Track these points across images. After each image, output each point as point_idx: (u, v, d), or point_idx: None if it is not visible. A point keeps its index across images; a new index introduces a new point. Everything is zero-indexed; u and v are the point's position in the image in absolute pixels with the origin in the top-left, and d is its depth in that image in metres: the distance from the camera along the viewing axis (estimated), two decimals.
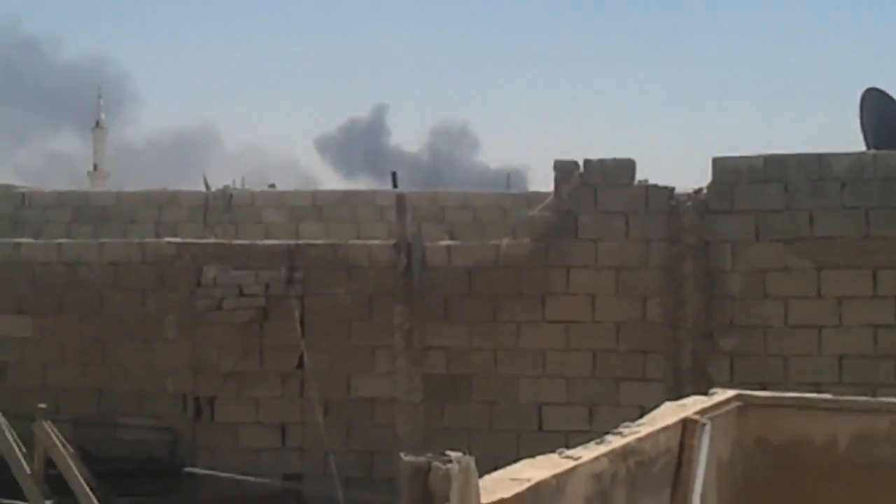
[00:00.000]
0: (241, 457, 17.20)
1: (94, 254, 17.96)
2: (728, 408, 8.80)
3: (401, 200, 17.70)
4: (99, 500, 15.60)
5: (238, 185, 27.26)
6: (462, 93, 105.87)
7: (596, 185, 16.32)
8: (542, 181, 58.67)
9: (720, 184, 15.97)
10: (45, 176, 54.93)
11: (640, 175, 16.41)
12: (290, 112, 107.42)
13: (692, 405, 8.28)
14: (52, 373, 17.76)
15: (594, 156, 16.45)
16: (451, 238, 19.69)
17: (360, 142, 68.88)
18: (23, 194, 24.77)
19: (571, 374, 16.32)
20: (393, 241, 17.18)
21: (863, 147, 19.08)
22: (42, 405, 16.16)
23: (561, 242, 16.38)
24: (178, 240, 18.65)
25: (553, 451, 6.26)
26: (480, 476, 5.15)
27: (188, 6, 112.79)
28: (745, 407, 9.03)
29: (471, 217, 23.47)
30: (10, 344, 17.92)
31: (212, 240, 19.79)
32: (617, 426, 7.28)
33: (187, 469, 17.02)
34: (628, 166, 16.37)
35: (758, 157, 15.95)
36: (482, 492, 5.07)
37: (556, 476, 5.79)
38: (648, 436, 7.18)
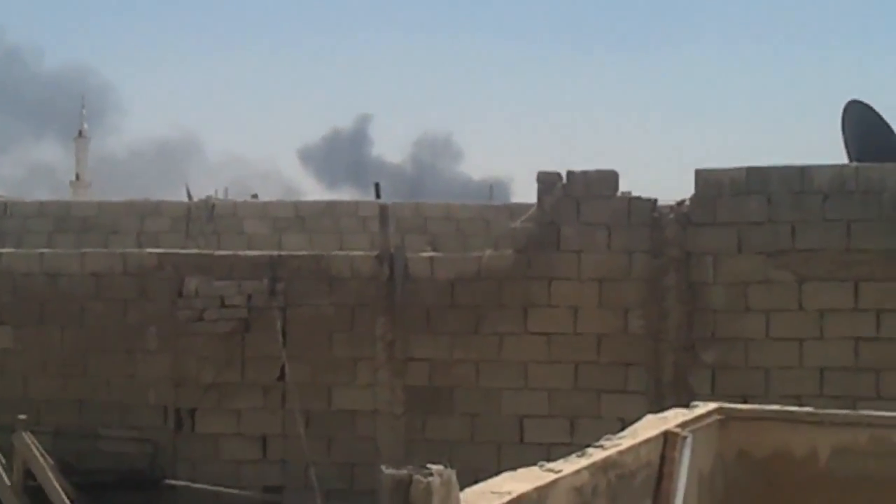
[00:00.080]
0: (221, 468, 17.16)
1: (76, 264, 17.90)
2: (709, 420, 8.81)
3: (384, 211, 17.69)
4: None
5: (220, 196, 27.24)
6: (445, 104, 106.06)
7: (578, 197, 16.33)
8: (525, 192, 58.84)
9: (703, 196, 15.99)
10: (27, 185, 54.95)
11: (622, 187, 16.42)
12: (273, 122, 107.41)
13: (673, 418, 8.29)
14: (33, 384, 17.68)
15: (577, 167, 16.48)
16: (434, 249, 19.70)
17: (342, 152, 68.92)
18: (4, 204, 24.74)
19: (553, 387, 16.31)
20: (375, 253, 17.17)
21: (845, 159, 19.14)
22: (22, 416, 16.13)
23: (543, 254, 16.38)
24: (159, 250, 18.61)
25: (534, 464, 6.26)
26: (462, 489, 5.15)
27: (171, 17, 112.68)
28: (727, 420, 9.04)
29: (453, 228, 23.48)
30: None
31: (194, 250, 19.75)
32: (598, 439, 7.29)
33: (168, 481, 16.98)
34: (611, 178, 16.38)
35: (740, 169, 15.97)
36: None
37: (537, 489, 5.79)
38: (630, 448, 7.18)
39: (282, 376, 17.00)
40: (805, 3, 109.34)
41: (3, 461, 15.83)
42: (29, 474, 15.78)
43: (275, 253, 18.25)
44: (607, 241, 16.22)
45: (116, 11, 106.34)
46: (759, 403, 11.06)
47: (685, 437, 7.81)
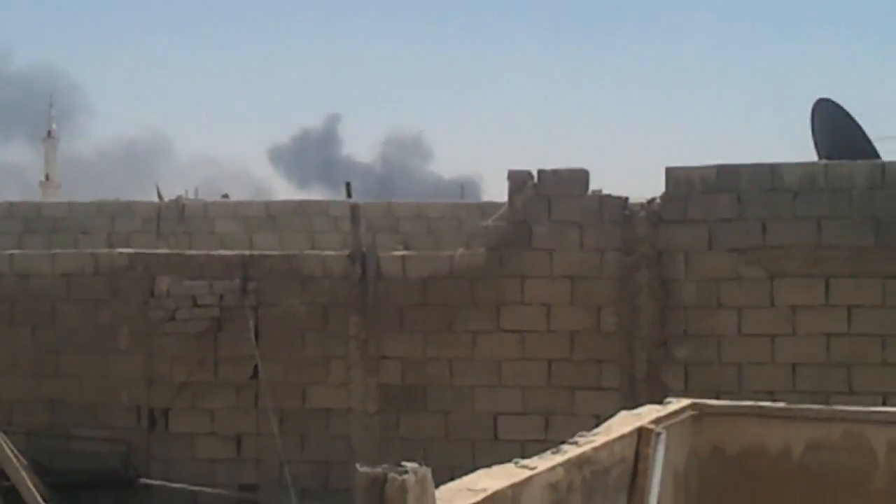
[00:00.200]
0: (195, 468, 17.12)
1: (46, 265, 17.82)
2: (683, 417, 8.83)
3: (355, 211, 17.67)
4: None
5: (191, 196, 27.20)
6: (414, 103, 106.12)
7: (550, 196, 16.34)
8: (496, 191, 58.75)
9: (673, 194, 16.03)
10: None
11: (593, 185, 16.43)
12: (243, 122, 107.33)
13: (647, 414, 8.31)
14: (5, 384, 17.60)
15: (548, 166, 16.47)
16: (406, 248, 19.70)
17: (312, 152, 68.85)
18: None
19: (527, 384, 16.32)
20: (347, 252, 17.15)
21: (815, 157, 19.22)
22: None
23: (515, 252, 16.39)
24: (130, 250, 18.53)
25: (509, 461, 6.26)
26: (437, 486, 5.15)
27: (139, 17, 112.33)
28: (700, 416, 9.07)
29: (425, 227, 23.49)
30: None
31: (165, 250, 19.69)
32: (572, 435, 7.30)
33: (142, 480, 16.92)
34: (582, 176, 16.40)
35: (710, 167, 16.01)
36: (438, 502, 5.08)
37: (512, 486, 5.80)
38: (604, 445, 7.20)
39: (255, 375, 16.98)
40: (774, 2, 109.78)
41: None
42: (2, 474, 15.70)
43: (246, 252, 18.21)
44: (579, 239, 16.24)
45: (85, 12, 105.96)
46: (733, 399, 11.07)
47: (659, 434, 7.83)
